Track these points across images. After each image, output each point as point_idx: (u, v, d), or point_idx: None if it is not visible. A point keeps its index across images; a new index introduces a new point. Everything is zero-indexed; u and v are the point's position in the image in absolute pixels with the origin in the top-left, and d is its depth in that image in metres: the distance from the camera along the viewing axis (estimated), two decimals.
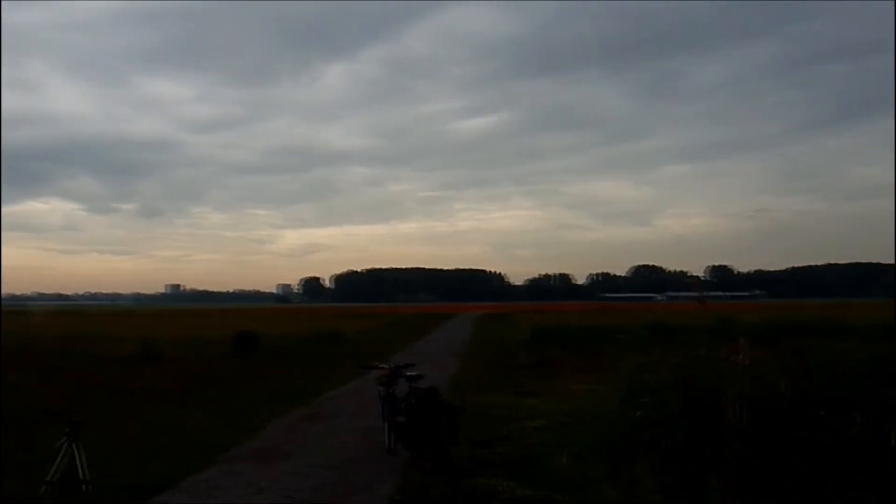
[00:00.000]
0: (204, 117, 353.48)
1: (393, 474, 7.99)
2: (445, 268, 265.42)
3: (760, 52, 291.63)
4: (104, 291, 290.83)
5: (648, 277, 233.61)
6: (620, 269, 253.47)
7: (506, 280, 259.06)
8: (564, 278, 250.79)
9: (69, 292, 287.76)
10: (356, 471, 8.18)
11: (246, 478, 7.88)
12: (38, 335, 34.30)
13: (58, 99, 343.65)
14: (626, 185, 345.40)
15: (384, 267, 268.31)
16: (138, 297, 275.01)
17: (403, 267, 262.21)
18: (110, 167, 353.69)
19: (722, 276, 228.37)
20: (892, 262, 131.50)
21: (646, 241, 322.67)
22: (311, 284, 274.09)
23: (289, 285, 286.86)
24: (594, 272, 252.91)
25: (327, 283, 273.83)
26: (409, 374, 8.99)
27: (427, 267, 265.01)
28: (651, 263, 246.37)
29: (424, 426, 8.20)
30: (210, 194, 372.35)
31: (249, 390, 15.97)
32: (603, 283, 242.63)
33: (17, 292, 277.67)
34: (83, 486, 7.18)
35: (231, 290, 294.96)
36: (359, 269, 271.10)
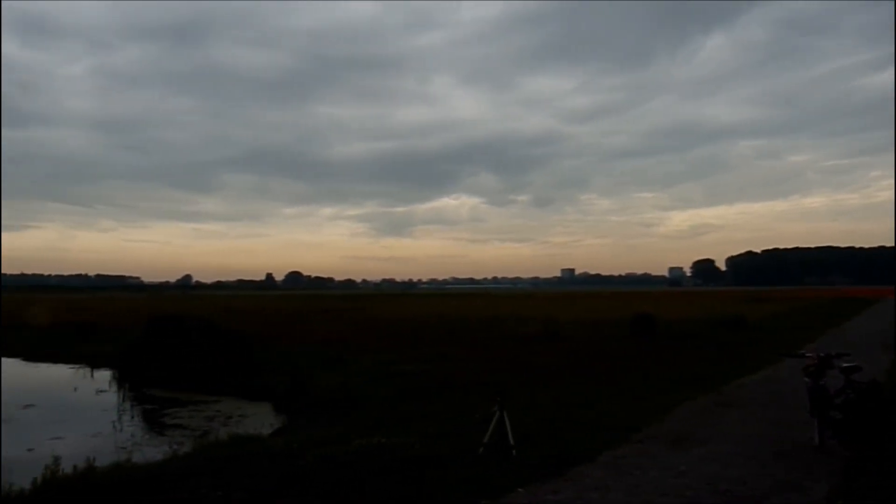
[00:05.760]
0: (584, 107, 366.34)
1: (828, 473, 7.08)
2: (863, 245, 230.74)
3: None
4: (507, 276, 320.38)
5: None
6: None
7: None
8: None
9: (478, 277, 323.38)
10: (781, 465, 7.46)
11: (661, 459, 7.75)
12: (459, 315, 39.18)
13: (458, 107, 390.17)
14: None
15: (787, 247, 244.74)
16: (535, 281, 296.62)
17: (810, 246, 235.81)
18: (505, 163, 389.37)
19: None
20: None
21: None
22: (704, 267, 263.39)
23: (680, 268, 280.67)
24: None
25: (721, 266, 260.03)
26: (844, 364, 7.87)
27: (839, 245, 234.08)
28: None
29: (867, 423, 7.10)
30: (595, 181, 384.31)
31: (651, 372, 15.89)
32: None
33: (439, 277, 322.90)
34: (511, 451, 7.85)
35: (622, 274, 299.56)
36: (756, 250, 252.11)
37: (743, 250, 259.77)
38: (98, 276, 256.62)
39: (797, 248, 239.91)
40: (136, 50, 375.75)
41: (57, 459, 7.77)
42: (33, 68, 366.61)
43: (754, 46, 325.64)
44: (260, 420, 14.40)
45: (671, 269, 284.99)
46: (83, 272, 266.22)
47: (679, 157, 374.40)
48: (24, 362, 25.95)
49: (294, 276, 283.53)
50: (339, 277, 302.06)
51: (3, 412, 15.30)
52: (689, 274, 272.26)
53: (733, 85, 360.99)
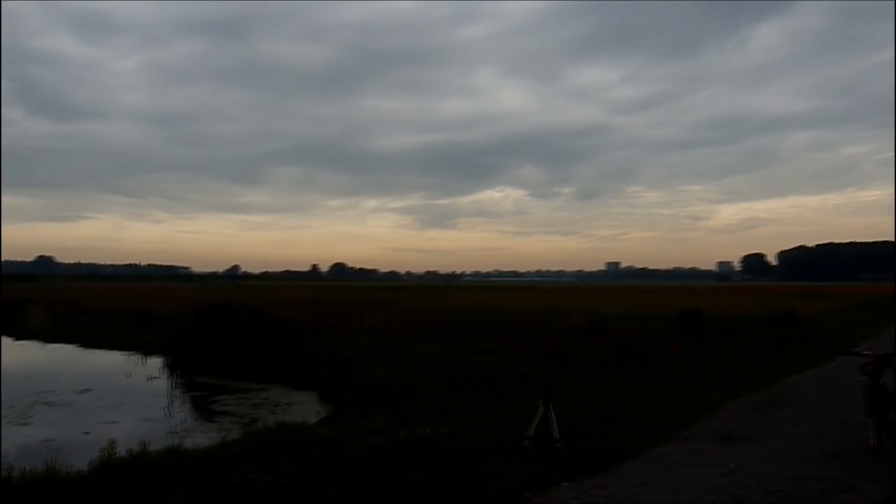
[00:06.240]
0: (631, 98, 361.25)
1: (885, 476, 6.87)
2: None
3: None
4: (550, 269, 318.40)
5: None
6: None
7: None
8: None
9: (522, 270, 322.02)
10: (836, 467, 7.25)
11: (711, 457, 7.61)
12: (503, 308, 39.09)
13: (503, 99, 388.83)
14: None
15: (842, 241, 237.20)
16: (580, 275, 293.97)
17: (867, 241, 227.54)
18: (549, 155, 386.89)
19: None
20: None
21: None
22: (754, 261, 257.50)
23: (729, 262, 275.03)
24: None
25: (772, 260, 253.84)
26: None
27: None
28: None
29: None
30: (642, 173, 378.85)
31: (699, 369, 15.64)
32: None
33: (482, 270, 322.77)
34: (556, 445, 7.81)
35: (668, 268, 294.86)
36: (809, 245, 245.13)
37: (795, 244, 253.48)
38: (149, 265, 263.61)
39: (852, 243, 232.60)
40: (186, 45, 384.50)
41: (112, 442, 8.03)
42: (88, 64, 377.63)
43: (808, 35, 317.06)
44: (306, 408, 14.62)
45: (719, 264, 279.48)
46: (135, 262, 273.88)
47: (729, 149, 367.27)
48: (80, 348, 26.82)
49: (339, 268, 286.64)
50: (382, 269, 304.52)
51: (61, 396, 15.89)
52: (738, 269, 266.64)
53: (786, 75, 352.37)
